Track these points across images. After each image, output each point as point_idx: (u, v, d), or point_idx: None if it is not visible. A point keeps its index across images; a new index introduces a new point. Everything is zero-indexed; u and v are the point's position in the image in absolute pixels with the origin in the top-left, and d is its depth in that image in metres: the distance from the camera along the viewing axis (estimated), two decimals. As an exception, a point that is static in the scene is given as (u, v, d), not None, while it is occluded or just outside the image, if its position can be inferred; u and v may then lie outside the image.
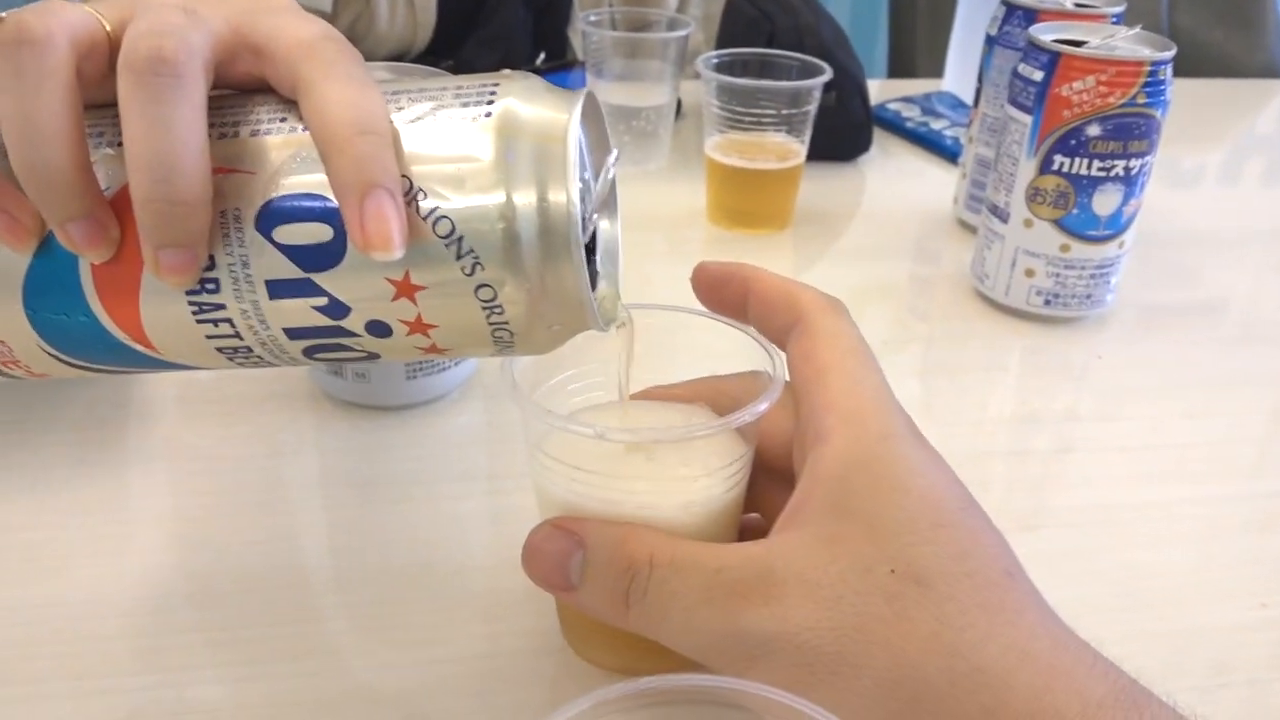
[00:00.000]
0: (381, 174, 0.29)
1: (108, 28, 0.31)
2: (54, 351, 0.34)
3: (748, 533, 0.41)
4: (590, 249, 0.34)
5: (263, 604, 0.43)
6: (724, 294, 0.40)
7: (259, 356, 0.34)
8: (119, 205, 0.31)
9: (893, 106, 1.03)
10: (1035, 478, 0.55)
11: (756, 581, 0.32)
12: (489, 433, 0.56)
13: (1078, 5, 0.75)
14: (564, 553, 0.35)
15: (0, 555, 0.45)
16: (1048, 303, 0.67)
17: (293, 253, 0.31)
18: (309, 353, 0.33)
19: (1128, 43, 0.65)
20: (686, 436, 0.36)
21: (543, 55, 1.12)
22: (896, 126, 1.01)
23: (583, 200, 0.31)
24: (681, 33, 0.86)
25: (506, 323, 0.32)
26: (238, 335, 0.32)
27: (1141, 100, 0.61)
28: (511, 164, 0.30)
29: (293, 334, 0.32)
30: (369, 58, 0.32)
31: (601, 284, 0.36)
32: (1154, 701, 0.30)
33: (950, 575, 0.31)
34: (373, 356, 0.34)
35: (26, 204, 0.31)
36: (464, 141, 0.30)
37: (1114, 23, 0.73)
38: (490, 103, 0.31)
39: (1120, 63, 0.61)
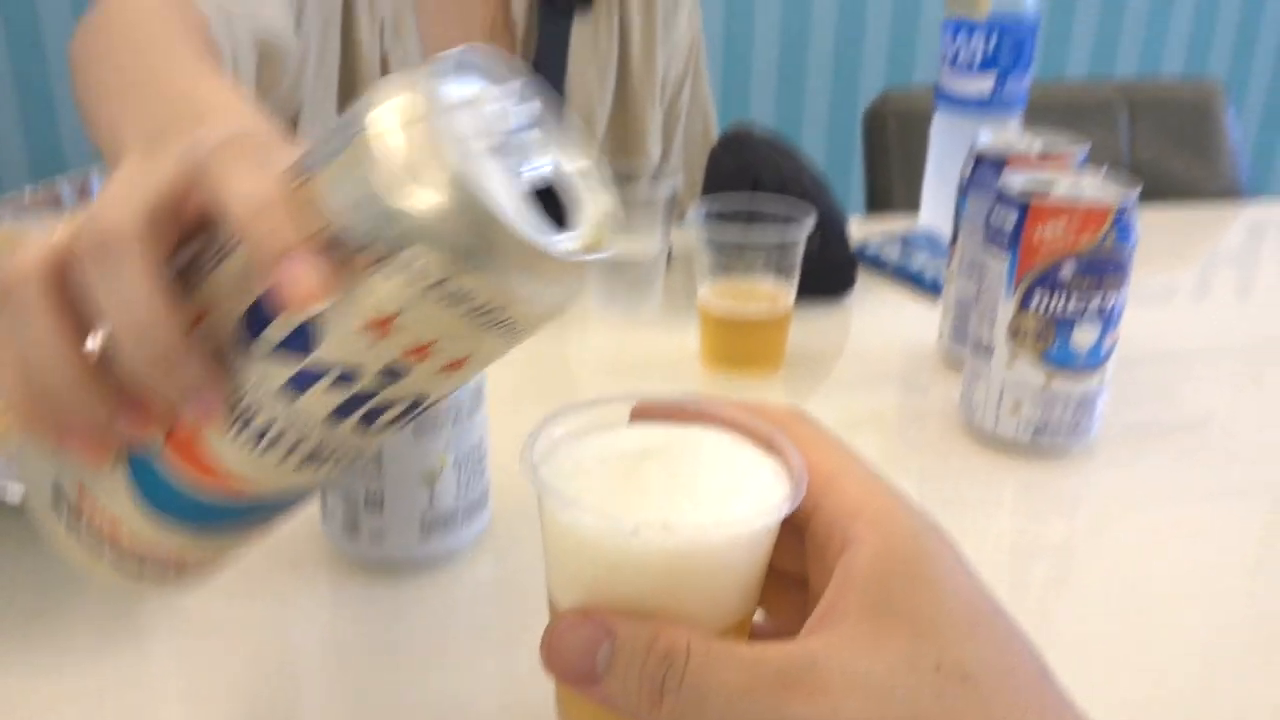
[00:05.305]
0: (282, 242, 0.30)
1: (66, 237, 0.33)
2: (171, 527, 0.37)
3: (758, 636, 0.40)
4: (550, 197, 0.34)
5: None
6: None
7: (332, 451, 0.35)
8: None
9: (873, 246, 1.07)
10: (1036, 610, 0.56)
11: (801, 673, 0.31)
12: (501, 590, 0.57)
13: (1043, 151, 0.79)
14: (592, 640, 0.34)
15: (22, 735, 0.46)
16: (1036, 433, 0.69)
17: (285, 348, 0.32)
18: (366, 422, 0.35)
19: (1094, 185, 0.68)
20: (730, 533, 0.34)
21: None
22: (878, 265, 1.05)
23: (479, 158, 0.31)
24: (667, 190, 0.90)
25: (482, 306, 0.31)
26: (300, 443, 0.34)
27: (1111, 239, 0.64)
28: (392, 168, 0.30)
29: (334, 418, 0.34)
30: None
31: (586, 209, 0.35)
32: None
33: (993, 672, 0.32)
34: (418, 404, 0.35)
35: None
36: (351, 172, 0.31)
37: (1080, 163, 0.77)
38: (363, 129, 0.31)
39: (1088, 206, 0.64)
